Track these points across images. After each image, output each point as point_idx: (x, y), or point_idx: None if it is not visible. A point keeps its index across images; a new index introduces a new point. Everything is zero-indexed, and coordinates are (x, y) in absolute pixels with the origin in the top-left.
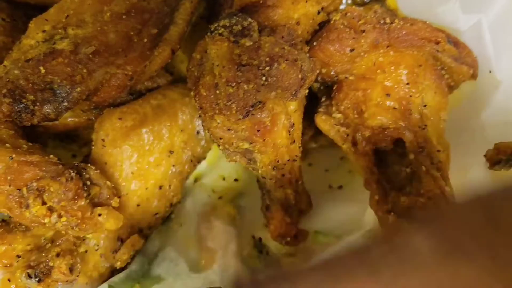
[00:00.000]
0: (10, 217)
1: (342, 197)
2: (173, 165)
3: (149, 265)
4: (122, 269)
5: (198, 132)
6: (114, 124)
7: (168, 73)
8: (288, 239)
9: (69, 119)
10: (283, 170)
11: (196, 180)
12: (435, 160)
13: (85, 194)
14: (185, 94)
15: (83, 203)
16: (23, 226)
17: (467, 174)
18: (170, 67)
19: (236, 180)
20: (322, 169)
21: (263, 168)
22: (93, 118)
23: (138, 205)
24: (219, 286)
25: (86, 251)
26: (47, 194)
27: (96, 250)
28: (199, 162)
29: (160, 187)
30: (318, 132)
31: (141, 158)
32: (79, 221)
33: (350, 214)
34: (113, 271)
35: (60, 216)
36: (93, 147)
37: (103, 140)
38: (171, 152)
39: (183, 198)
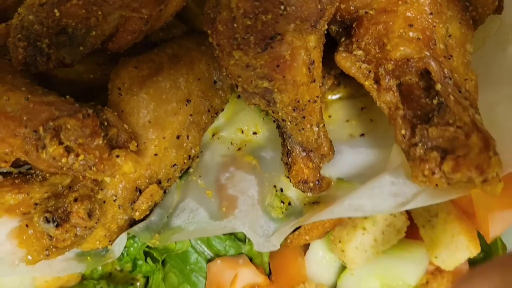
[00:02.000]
0: (27, 169)
1: (365, 144)
2: (191, 115)
3: (169, 218)
4: (140, 221)
5: (215, 82)
6: (130, 72)
7: (183, 24)
8: (311, 184)
9: (84, 75)
10: (303, 111)
11: (214, 134)
12: (463, 89)
13: (102, 134)
14: (200, 43)
15: (100, 142)
16: (40, 176)
17: (496, 109)
18: (184, 21)
19: (254, 133)
20: (343, 120)
21: (284, 109)
22: (109, 74)
23: (156, 155)
24: (241, 231)
25: (104, 202)
26: (64, 133)
27: (114, 200)
28: (217, 113)
29: (178, 137)
30: (338, 83)
31: (158, 107)
32: (96, 161)
33: (373, 160)
34: (132, 225)
35: (77, 155)
36: (109, 96)
37: (119, 88)
38: (188, 101)
39: (201, 152)
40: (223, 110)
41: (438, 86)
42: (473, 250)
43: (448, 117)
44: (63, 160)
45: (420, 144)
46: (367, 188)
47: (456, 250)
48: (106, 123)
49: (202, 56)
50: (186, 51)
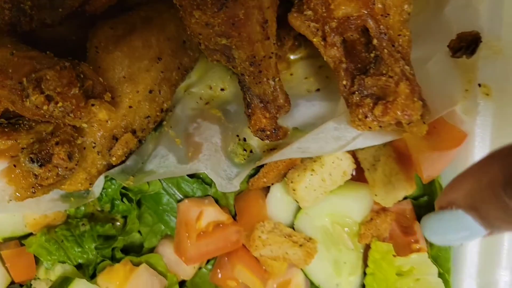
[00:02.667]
0: (15, 120)
1: (319, 98)
2: (162, 71)
3: (143, 164)
4: (117, 166)
5: (184, 42)
6: (106, 32)
7: None
8: (268, 133)
9: (67, 37)
10: (260, 66)
11: (185, 90)
12: (396, 44)
13: (78, 84)
14: (171, 7)
15: (77, 91)
16: (27, 125)
17: (430, 61)
18: None
19: (222, 89)
20: (302, 77)
21: (241, 64)
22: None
23: (130, 107)
24: (203, 172)
25: (84, 148)
26: (44, 83)
27: (93, 147)
28: (186, 71)
29: (151, 91)
30: (298, 44)
31: (132, 64)
32: (73, 108)
33: (325, 111)
34: (109, 169)
35: (56, 103)
36: (87, 54)
37: (96, 47)
38: (159, 58)
39: (174, 106)
40: (192, 68)
41: (375, 41)
42: (409, 188)
43: (382, 68)
44: (45, 107)
45: (357, 92)
46: (314, 133)
47: (394, 188)
48: (82, 76)
49: (172, 18)
50: (157, 14)
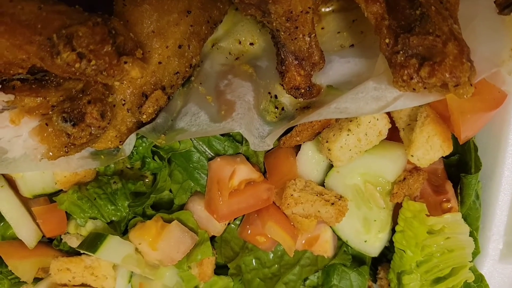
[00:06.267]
0: (42, 76)
1: (354, 54)
2: (191, 25)
3: (173, 121)
4: (148, 123)
5: None
6: None
7: None
8: (302, 91)
9: None
10: (296, 22)
11: (213, 45)
12: (444, 0)
13: (111, 41)
14: None
15: (109, 49)
16: (55, 82)
17: (476, 18)
18: None
19: (251, 44)
20: (334, 31)
21: (278, 19)
22: None
23: (160, 63)
24: (238, 132)
25: (114, 106)
26: (76, 40)
27: (123, 105)
28: (215, 24)
29: (180, 46)
30: None
31: (160, 17)
32: (107, 66)
33: (360, 68)
34: (140, 127)
35: (89, 61)
36: (114, 7)
37: (123, 0)
38: (188, 12)
39: (201, 61)
40: (221, 21)
41: None
42: (446, 149)
43: (428, 26)
44: (76, 65)
45: (401, 52)
46: (352, 93)
47: (431, 149)
48: (113, 32)
49: None
50: None
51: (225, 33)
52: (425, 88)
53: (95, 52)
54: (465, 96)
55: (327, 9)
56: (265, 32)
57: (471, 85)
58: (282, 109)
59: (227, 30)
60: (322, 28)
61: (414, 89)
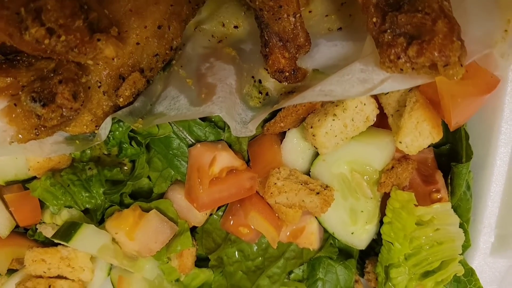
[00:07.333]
0: (13, 55)
1: (341, 38)
2: (171, 5)
3: (152, 105)
4: (125, 107)
5: None
6: None
7: None
8: (287, 74)
9: None
10: (280, 0)
11: (196, 27)
12: None
13: (82, 16)
14: None
15: (81, 24)
16: (26, 62)
17: None
18: None
19: (236, 27)
20: (322, 14)
21: None
22: None
23: (137, 44)
24: (217, 115)
25: (89, 88)
26: (44, 14)
27: (99, 87)
28: (197, 5)
29: (159, 27)
30: None
31: None
32: (78, 42)
33: (347, 52)
34: (116, 111)
35: (59, 37)
36: None
37: None
38: None
39: (183, 44)
40: (204, 2)
41: None
42: (435, 136)
43: (418, 4)
44: (46, 41)
45: (389, 31)
46: (338, 75)
47: (420, 135)
48: (86, 7)
49: None
50: None
51: (209, 15)
52: (413, 68)
53: (65, 27)
54: (455, 78)
55: None
56: (250, 15)
57: (461, 65)
58: (266, 94)
59: (210, 13)
60: (310, 12)
61: (401, 70)
